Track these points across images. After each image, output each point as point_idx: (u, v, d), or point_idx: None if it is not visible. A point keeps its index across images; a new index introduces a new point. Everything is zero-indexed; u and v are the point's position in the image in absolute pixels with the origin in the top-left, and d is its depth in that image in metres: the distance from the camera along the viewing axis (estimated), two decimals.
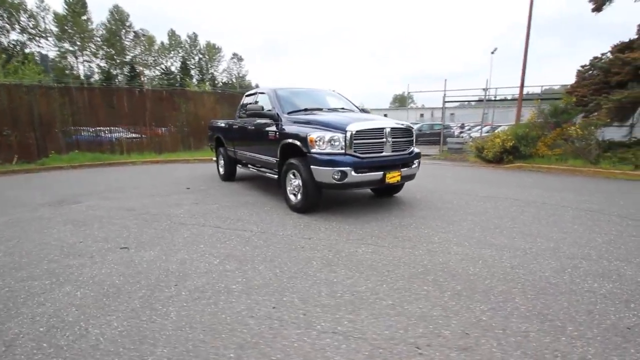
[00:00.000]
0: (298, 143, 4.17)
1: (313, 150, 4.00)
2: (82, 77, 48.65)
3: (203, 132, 13.64)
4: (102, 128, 11.91)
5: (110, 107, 11.92)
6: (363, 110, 5.74)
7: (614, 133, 8.98)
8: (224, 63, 66.02)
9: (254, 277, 2.59)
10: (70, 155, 10.68)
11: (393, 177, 4.16)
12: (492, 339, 1.81)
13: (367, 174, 3.98)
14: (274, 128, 4.76)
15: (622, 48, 9.22)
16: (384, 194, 5.28)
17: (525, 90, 12.80)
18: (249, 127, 5.56)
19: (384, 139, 4.14)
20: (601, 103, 7.90)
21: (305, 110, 4.98)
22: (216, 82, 62.42)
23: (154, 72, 56.69)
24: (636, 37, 8.90)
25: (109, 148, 11.88)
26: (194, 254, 3.06)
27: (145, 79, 54.40)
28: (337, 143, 3.90)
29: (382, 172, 4.06)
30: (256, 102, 5.60)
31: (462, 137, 17.19)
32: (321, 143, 3.95)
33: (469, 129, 21.26)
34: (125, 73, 52.78)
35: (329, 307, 2.15)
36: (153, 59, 55.97)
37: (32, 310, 2.17)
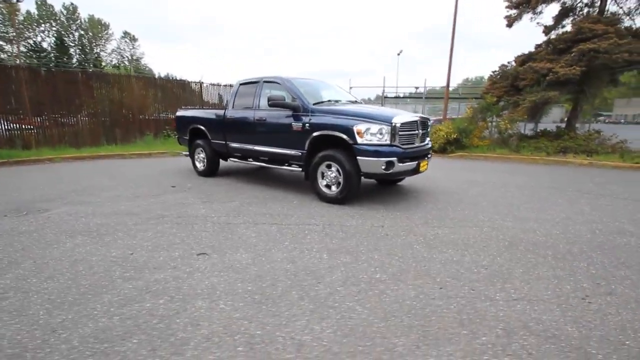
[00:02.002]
0: (341, 135, 4.19)
1: (360, 142, 4.08)
2: None
3: (131, 122, 11.94)
4: None
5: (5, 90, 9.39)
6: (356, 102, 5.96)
7: (521, 127, 11.26)
8: (114, 42, 57.04)
9: (387, 265, 2.64)
10: None
11: (423, 166, 4.55)
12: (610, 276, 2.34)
13: (407, 163, 4.27)
14: (300, 119, 4.63)
15: (524, 59, 11.53)
16: (389, 183, 5.65)
17: (408, 90, 14.85)
18: (256, 118, 5.23)
19: (417, 131, 4.49)
20: (519, 103, 9.83)
21: (329, 101, 4.98)
22: (103, 63, 53.73)
23: (18, 48, 45.50)
24: (534, 51, 11.24)
25: (7, 142, 9.39)
26: (292, 252, 2.90)
27: (6, 55, 43.37)
28: (383, 135, 4.08)
29: (416, 162, 4.40)
30: (259, 92, 5.30)
31: None
32: (368, 135, 4.07)
33: None
34: None
35: (485, 279, 2.39)
36: (17, 31, 44.84)
37: (190, 333, 1.83)
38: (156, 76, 21.65)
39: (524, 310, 2.05)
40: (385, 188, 5.44)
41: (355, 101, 5.49)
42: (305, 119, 4.56)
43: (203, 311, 2.02)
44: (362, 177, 4.32)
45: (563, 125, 11.24)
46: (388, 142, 4.10)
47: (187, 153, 7.06)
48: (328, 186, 4.51)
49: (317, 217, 3.87)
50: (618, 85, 11.51)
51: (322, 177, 4.54)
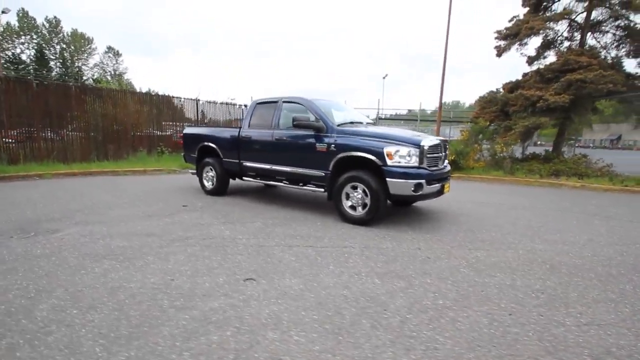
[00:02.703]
0: (370, 156, 4.20)
1: (390, 163, 4.10)
2: None
3: (124, 138, 11.59)
4: None
5: None
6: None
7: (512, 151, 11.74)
8: (97, 57, 56.05)
9: (444, 290, 2.59)
10: None
11: (447, 187, 4.61)
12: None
13: (434, 185, 4.31)
14: (323, 140, 4.62)
15: (513, 87, 12.18)
16: (403, 204, 5.67)
17: (393, 111, 15.34)
18: (275, 138, 5.19)
19: (440, 153, 4.57)
20: (512, 127, 10.28)
21: (351, 123, 5.01)
22: (84, 77, 52.59)
23: None
24: (522, 79, 11.89)
25: None
26: (341, 276, 2.81)
27: None
28: (411, 157, 4.12)
29: (441, 184, 4.46)
30: (278, 112, 5.29)
31: None
32: (397, 157, 4.10)
33: None
34: None
35: (547, 304, 2.38)
36: None
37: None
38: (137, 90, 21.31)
39: (599, 335, 2.05)
40: (400, 209, 5.45)
41: (374, 123, 5.56)
42: (330, 140, 4.56)
43: (278, 344, 1.89)
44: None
45: (536, 148, 11.81)
46: (416, 164, 4.14)
47: (194, 171, 6.88)
48: (353, 207, 4.47)
49: (350, 239, 3.80)
50: (597, 112, 12.27)
51: (347, 198, 4.51)
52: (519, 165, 10.19)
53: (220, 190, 6.27)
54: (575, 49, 10.64)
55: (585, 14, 11.04)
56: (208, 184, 6.44)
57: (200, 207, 5.35)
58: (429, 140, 4.29)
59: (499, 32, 11.90)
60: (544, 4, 11.83)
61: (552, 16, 10.92)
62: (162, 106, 12.76)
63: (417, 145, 4.14)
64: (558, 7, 11.91)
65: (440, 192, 4.49)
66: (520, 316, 2.24)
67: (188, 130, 7.00)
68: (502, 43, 11.98)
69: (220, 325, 2.06)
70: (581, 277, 2.92)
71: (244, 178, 5.93)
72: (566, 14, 10.64)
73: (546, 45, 12.62)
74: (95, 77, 54.66)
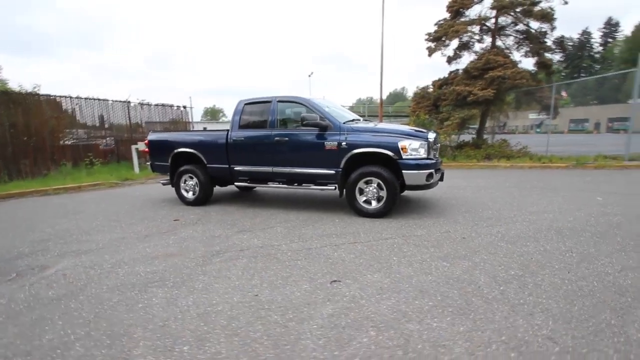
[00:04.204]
0: (386, 151, 4.39)
1: (405, 157, 4.36)
2: None
3: (41, 150, 9.72)
4: None
5: None
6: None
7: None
8: None
9: (505, 262, 2.92)
10: None
11: (442, 176, 5.08)
12: None
13: (437, 174, 4.73)
14: (333, 138, 4.66)
15: (442, 83, 13.71)
16: None
17: None
18: (275, 139, 5.02)
19: (437, 145, 5.01)
20: (449, 119, 11.62)
21: (353, 120, 5.12)
22: None
23: None
24: (449, 77, 13.46)
25: None
26: (413, 265, 2.94)
27: None
28: (421, 149, 4.45)
29: (440, 173, 4.91)
30: (274, 112, 5.13)
31: None
32: (410, 150, 4.39)
33: None
34: None
35: (585, 261, 2.88)
36: None
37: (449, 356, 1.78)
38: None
39: (636, 277, 2.59)
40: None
41: (366, 119, 5.78)
42: (341, 138, 4.62)
43: (427, 333, 1.95)
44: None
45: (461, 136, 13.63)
46: (425, 156, 4.48)
47: (166, 181, 6.23)
48: (367, 202, 4.63)
49: (383, 232, 3.95)
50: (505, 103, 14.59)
51: (360, 193, 4.65)
52: (457, 152, 11.59)
53: (203, 199, 5.81)
54: (493, 49, 12.47)
55: (494, 19, 13.02)
56: (189, 194, 5.89)
57: (197, 219, 4.90)
58: (432, 134, 4.68)
59: (429, 34, 13.26)
60: (461, 11, 13.56)
61: (472, 20, 12.58)
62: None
63: (425, 138, 4.49)
64: (470, 14, 13.80)
65: (440, 180, 4.94)
66: (576, 273, 2.69)
67: (154, 136, 6.27)
68: (432, 44, 13.36)
69: (356, 328, 2.03)
70: (584, 236, 3.58)
71: (235, 184, 5.60)
72: (482, 19, 12.37)
73: (462, 47, 14.47)
74: None
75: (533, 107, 13.01)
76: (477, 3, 13.08)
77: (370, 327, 2.04)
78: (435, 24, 13.83)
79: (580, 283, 2.52)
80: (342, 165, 4.64)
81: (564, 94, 11.37)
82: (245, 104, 5.43)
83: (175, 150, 5.84)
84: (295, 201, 6.00)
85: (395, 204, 4.55)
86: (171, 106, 13.24)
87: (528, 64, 21.49)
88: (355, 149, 4.54)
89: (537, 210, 4.73)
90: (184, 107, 13.61)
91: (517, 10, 11.84)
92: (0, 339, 2.08)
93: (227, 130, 5.46)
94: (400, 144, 4.36)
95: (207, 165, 5.62)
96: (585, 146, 13.72)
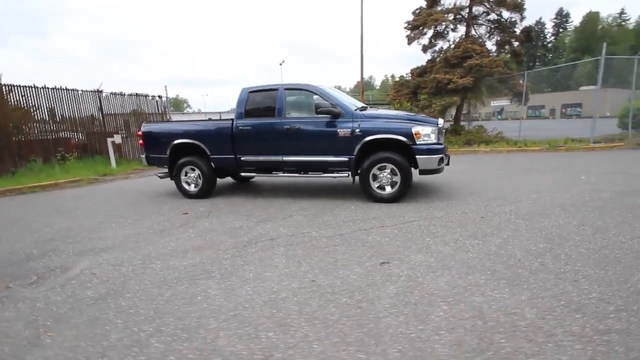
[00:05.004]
0: (400, 137, 4.49)
1: (419, 142, 4.50)
2: None
3: (6, 146, 8.90)
4: None
5: None
6: None
7: None
8: None
9: (531, 237, 3.14)
10: None
11: (449, 161, 5.30)
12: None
13: (445, 159, 4.93)
14: (346, 125, 4.69)
15: (420, 72, 14.07)
16: None
17: None
18: (285, 127, 4.96)
19: (443, 130, 5.20)
20: (432, 106, 12.00)
21: (362, 107, 5.16)
22: None
23: None
24: (427, 65, 13.83)
25: None
26: (449, 244, 3.09)
27: None
28: (433, 135, 4.61)
29: (447, 158, 5.11)
30: (282, 100, 5.06)
31: None
32: (423, 136, 4.53)
33: None
34: None
35: (598, 231, 3.18)
36: None
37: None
38: None
39: None
40: None
41: (373, 106, 5.86)
42: (355, 125, 4.67)
43: (494, 304, 2.10)
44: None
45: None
46: (435, 141, 4.65)
47: (163, 174, 5.98)
48: (381, 187, 4.74)
49: (405, 215, 4.09)
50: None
51: (374, 179, 4.75)
52: None
53: (207, 191, 5.65)
54: (468, 38, 12.94)
55: (468, 9, 13.48)
56: (191, 187, 5.70)
57: (207, 212, 4.78)
58: (440, 120, 4.85)
59: (408, 22, 13.49)
60: (437, 0, 13.89)
61: (449, 9, 12.94)
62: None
63: (435, 124, 4.65)
64: (445, 3, 14.19)
65: (447, 164, 5.15)
66: (596, 243, 2.96)
67: (149, 127, 5.95)
68: (411, 33, 13.61)
69: (427, 304, 2.13)
70: (586, 211, 3.91)
71: (241, 174, 5.50)
72: (459, 9, 12.77)
73: (437, 36, 14.88)
74: None
75: (505, 94, 13.71)
76: None
77: (439, 302, 2.15)
78: (413, 13, 14.09)
79: (603, 252, 2.79)
80: (355, 152, 4.70)
81: (524, 82, 12.06)
82: (250, 92, 5.30)
83: (175, 142, 5.59)
84: (301, 190, 6.00)
85: (408, 189, 4.70)
86: (146, 96, 12.53)
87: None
88: (369, 135, 4.61)
89: (534, 190, 5.09)
90: (159, 97, 12.94)
91: (491, 0, 12.33)
92: (61, 342, 1.97)
93: (232, 120, 5.31)
94: (414, 130, 4.48)
95: (211, 157, 5.45)
96: (547, 131, 14.72)
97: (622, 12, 64.53)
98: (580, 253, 2.78)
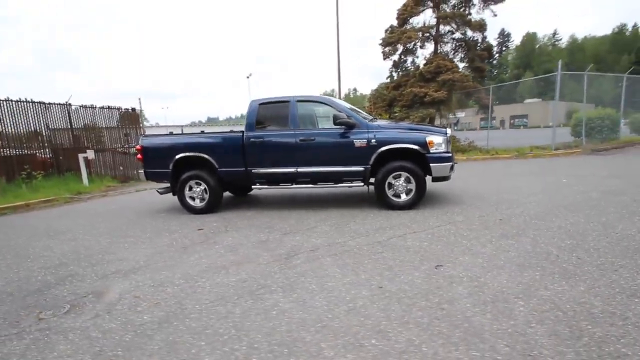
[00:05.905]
0: (415, 147, 4.70)
1: (432, 151, 4.74)
2: None
3: None
4: None
5: None
6: None
7: None
8: None
9: (558, 235, 3.42)
10: None
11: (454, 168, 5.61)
12: None
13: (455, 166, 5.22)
14: (362, 136, 4.82)
15: (395, 86, 14.76)
16: None
17: None
18: (300, 139, 4.97)
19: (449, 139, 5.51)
20: (410, 117, 12.59)
21: (373, 118, 5.32)
22: None
23: None
24: (401, 80, 14.56)
25: None
26: (486, 246, 3.28)
27: None
28: (444, 144, 4.87)
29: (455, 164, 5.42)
30: (294, 112, 5.09)
31: None
32: (437, 145, 4.77)
33: None
34: None
35: (610, 227, 3.55)
36: None
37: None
38: None
39: None
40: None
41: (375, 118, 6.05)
42: (370, 135, 4.81)
43: (561, 295, 2.28)
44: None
45: None
46: (445, 149, 4.92)
47: (164, 189, 5.71)
48: (396, 195, 4.90)
49: (429, 221, 4.24)
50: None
51: (389, 187, 4.90)
52: None
53: (214, 206, 5.48)
54: (438, 55, 13.85)
55: (435, 28, 14.47)
56: (196, 202, 5.49)
57: (224, 227, 4.62)
58: (448, 130, 5.15)
59: (383, 39, 14.18)
60: (408, 19, 14.76)
61: (420, 28, 13.80)
62: None
63: (444, 133, 4.93)
64: (414, 21, 15.13)
65: (453, 171, 5.45)
66: (613, 237, 3.31)
67: (149, 140, 5.67)
68: (386, 49, 14.30)
69: (503, 300, 2.26)
70: (587, 210, 4.33)
71: (252, 187, 5.40)
72: (429, 27, 13.67)
73: (407, 52, 15.78)
74: None
75: (471, 106, 14.76)
76: (422, 11, 14.42)
77: (513, 298, 2.29)
78: (386, 31, 14.84)
79: (623, 244, 3.12)
80: (371, 162, 4.83)
81: (489, 95, 13.14)
82: (260, 104, 5.27)
83: (179, 155, 5.38)
84: (310, 201, 6.00)
85: (423, 196, 4.90)
86: (119, 109, 11.85)
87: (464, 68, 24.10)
88: (384, 145, 4.78)
89: (530, 193, 5.53)
90: (133, 109, 12.31)
91: (457, 20, 13.36)
92: None
93: (242, 132, 5.24)
94: (428, 139, 4.72)
95: (219, 170, 5.30)
96: (509, 140, 15.95)
97: (555, 33, 72.63)
98: (604, 246, 3.09)
